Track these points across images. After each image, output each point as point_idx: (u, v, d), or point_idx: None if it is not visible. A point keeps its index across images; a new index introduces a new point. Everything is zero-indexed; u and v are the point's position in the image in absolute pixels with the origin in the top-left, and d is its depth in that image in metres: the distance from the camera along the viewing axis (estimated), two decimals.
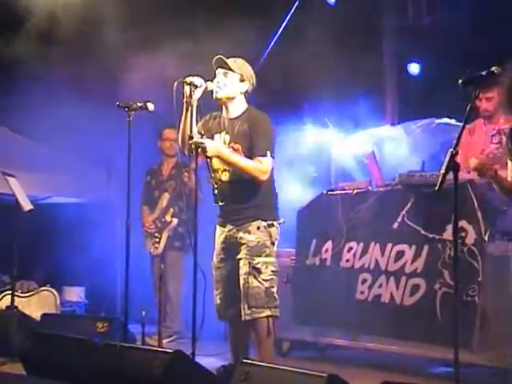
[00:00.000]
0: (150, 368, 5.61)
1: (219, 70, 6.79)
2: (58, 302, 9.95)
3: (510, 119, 7.39)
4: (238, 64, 6.83)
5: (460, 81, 5.58)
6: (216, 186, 6.69)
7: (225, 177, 6.76)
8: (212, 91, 6.66)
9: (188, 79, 6.49)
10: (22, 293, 9.64)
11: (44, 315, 8.36)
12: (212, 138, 6.82)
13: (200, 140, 6.50)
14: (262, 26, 9.83)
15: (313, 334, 8.26)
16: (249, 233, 6.69)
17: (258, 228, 6.70)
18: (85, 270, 9.37)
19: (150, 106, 7.27)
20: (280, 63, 10.12)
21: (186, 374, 5.66)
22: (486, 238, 6.99)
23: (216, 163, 6.77)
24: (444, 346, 6.41)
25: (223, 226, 6.90)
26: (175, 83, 6.45)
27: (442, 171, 5.39)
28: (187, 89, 6.49)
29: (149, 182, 8.71)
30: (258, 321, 6.65)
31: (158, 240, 8.55)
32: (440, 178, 5.39)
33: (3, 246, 9.41)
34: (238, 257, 6.72)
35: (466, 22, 9.92)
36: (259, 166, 6.62)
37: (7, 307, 8.99)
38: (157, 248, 8.58)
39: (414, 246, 7.52)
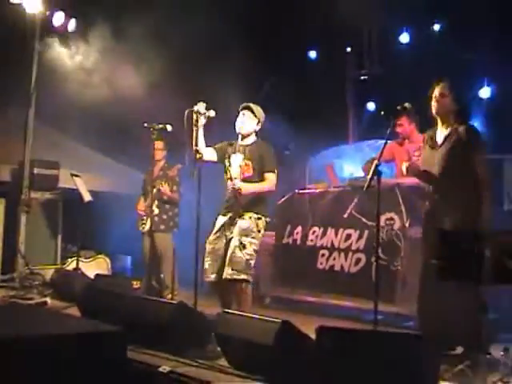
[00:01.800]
0: (161, 314, 5.68)
1: (245, 111, 6.80)
2: (110, 266, 10.05)
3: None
4: (259, 111, 6.83)
5: (382, 112, 5.64)
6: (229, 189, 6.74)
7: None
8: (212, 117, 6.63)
9: (195, 108, 6.51)
10: (84, 259, 9.67)
11: (97, 275, 8.37)
12: (229, 157, 6.82)
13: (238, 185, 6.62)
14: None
15: (286, 292, 8.24)
16: (243, 219, 6.68)
17: (250, 217, 6.68)
18: (131, 243, 9.30)
19: (169, 128, 7.29)
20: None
21: (188, 320, 5.67)
22: (407, 225, 6.99)
23: (235, 173, 6.77)
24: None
25: (225, 214, 6.82)
26: (186, 112, 6.49)
27: (369, 176, 5.43)
28: (194, 116, 6.51)
29: (145, 179, 8.63)
30: (236, 282, 6.60)
31: (144, 222, 8.51)
32: (367, 182, 5.43)
33: (73, 225, 9.51)
34: (232, 235, 6.69)
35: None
36: (269, 184, 6.69)
37: (74, 269, 9.09)
38: (143, 227, 8.52)
39: (358, 231, 7.54)
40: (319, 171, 9.33)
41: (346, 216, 7.65)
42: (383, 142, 5.60)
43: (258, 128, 6.86)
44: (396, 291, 6.89)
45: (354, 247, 7.54)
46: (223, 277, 6.60)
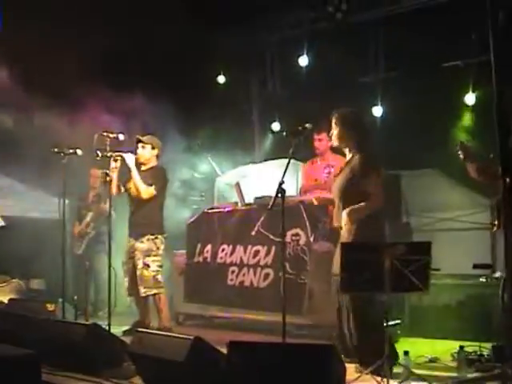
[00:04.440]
0: (73, 336, 5.56)
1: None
2: (24, 290, 9.76)
3: (337, 157, 7.36)
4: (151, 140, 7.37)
5: (284, 133, 5.69)
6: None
7: None
8: None
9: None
10: None
11: (10, 299, 8.13)
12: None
13: None
14: None
15: (199, 308, 8.17)
16: (142, 242, 7.26)
17: (148, 239, 7.26)
18: (45, 265, 9.09)
19: (79, 152, 7.18)
20: None
21: (101, 340, 5.59)
22: (312, 240, 7.05)
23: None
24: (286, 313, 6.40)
25: (130, 236, 7.43)
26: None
27: (273, 195, 5.45)
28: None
29: (79, 204, 8.56)
30: (150, 297, 7.23)
31: (80, 244, 8.41)
32: (272, 200, 5.45)
33: None
34: (136, 257, 7.26)
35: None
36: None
37: None
38: (79, 249, 8.42)
39: (266, 247, 7.53)
40: (226, 190, 9.33)
41: (253, 233, 7.64)
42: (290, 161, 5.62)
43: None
44: (303, 303, 6.92)
45: (262, 263, 7.53)
46: (140, 295, 7.20)
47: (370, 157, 5.66)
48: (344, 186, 5.69)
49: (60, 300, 7.57)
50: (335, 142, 5.91)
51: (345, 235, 5.55)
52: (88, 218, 8.32)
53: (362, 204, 5.50)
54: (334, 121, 5.85)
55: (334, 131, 5.85)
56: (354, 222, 5.49)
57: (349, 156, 5.83)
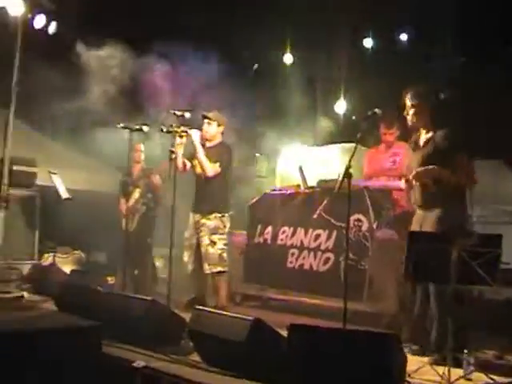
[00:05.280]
0: (135, 311, 5.59)
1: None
2: (85, 262, 9.92)
3: (401, 145, 7.25)
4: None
5: (353, 117, 5.60)
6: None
7: None
8: None
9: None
10: (61, 254, 9.54)
11: (72, 271, 8.25)
12: None
13: None
14: None
15: (257, 290, 8.15)
16: (209, 219, 7.22)
17: (215, 217, 7.22)
18: (107, 239, 9.17)
19: (145, 128, 7.19)
20: None
21: (161, 316, 5.60)
22: (375, 227, 6.95)
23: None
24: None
25: (195, 213, 7.36)
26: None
27: (339, 179, 5.39)
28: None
29: (124, 181, 8.50)
30: (213, 274, 7.17)
31: (131, 221, 8.34)
32: (338, 184, 5.38)
33: (50, 222, 9.36)
34: (202, 234, 7.22)
35: None
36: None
37: (50, 264, 8.96)
38: (131, 227, 8.37)
39: (327, 231, 7.46)
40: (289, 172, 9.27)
41: (315, 217, 7.59)
42: (353, 145, 5.54)
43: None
44: (363, 290, 6.83)
45: (323, 247, 7.47)
46: (204, 271, 7.19)
47: (455, 131, 5.53)
48: (430, 164, 5.49)
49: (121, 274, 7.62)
50: (413, 120, 5.72)
51: (430, 220, 5.43)
52: (137, 195, 8.26)
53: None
54: (408, 97, 5.69)
55: (411, 110, 5.69)
56: (441, 204, 5.38)
57: (426, 135, 5.69)
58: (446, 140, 5.49)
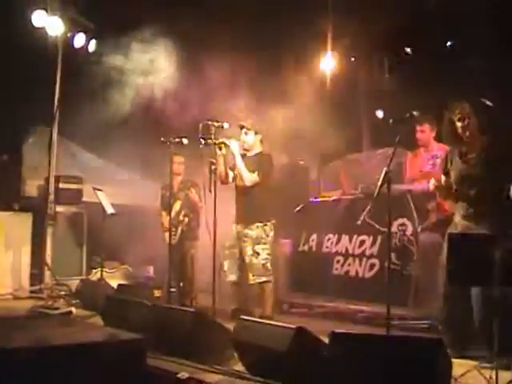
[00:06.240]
0: (180, 323, 5.60)
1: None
2: (132, 276, 10.00)
3: (441, 147, 7.16)
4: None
5: (391, 120, 5.53)
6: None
7: None
8: None
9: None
10: (108, 269, 9.64)
11: (119, 285, 8.32)
12: None
13: None
14: None
15: (303, 297, 8.14)
16: (251, 229, 7.12)
17: (257, 227, 7.11)
18: (153, 253, 9.23)
19: (185, 141, 7.21)
20: None
21: (206, 327, 5.59)
22: (419, 230, 6.87)
23: None
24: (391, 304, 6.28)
25: (237, 223, 7.26)
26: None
27: (379, 184, 5.32)
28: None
29: (164, 194, 8.51)
30: (258, 284, 7.06)
31: (174, 234, 8.30)
32: (377, 189, 5.33)
33: (97, 237, 9.46)
34: (245, 244, 7.13)
35: None
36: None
37: (98, 279, 9.05)
38: (174, 239, 8.33)
39: (371, 237, 7.44)
40: (332, 180, 9.24)
41: (359, 223, 7.50)
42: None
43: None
44: (409, 295, 6.76)
45: (367, 253, 7.43)
46: (248, 282, 7.11)
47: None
48: (481, 174, 5.41)
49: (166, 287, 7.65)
50: (470, 133, 5.55)
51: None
52: (178, 207, 8.28)
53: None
54: (466, 111, 5.55)
55: (467, 121, 5.52)
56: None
57: (475, 145, 5.56)
58: (504, 148, 5.38)
